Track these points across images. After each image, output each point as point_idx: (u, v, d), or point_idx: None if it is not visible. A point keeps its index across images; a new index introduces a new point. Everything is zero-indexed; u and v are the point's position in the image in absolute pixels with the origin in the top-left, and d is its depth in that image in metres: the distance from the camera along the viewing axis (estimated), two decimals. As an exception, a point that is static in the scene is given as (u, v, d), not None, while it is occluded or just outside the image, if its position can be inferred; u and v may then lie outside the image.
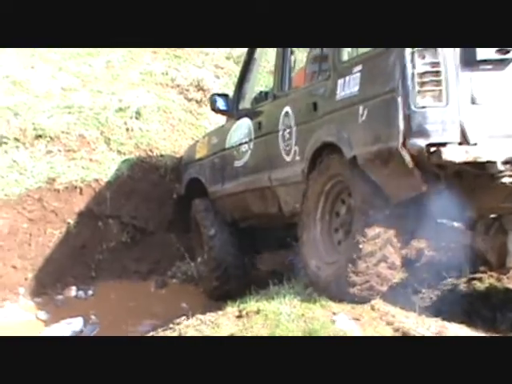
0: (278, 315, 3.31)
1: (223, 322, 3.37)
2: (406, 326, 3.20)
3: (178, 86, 6.01)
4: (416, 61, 2.92)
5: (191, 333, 3.34)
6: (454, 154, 2.81)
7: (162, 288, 5.11)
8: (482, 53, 2.92)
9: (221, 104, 4.73)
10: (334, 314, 3.35)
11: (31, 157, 5.15)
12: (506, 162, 2.76)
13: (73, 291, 5.05)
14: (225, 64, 6.38)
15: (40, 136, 5.21)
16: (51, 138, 5.22)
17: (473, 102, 2.94)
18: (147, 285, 5.14)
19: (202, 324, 3.41)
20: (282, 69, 4.23)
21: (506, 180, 2.78)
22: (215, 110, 4.83)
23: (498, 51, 2.91)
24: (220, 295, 4.61)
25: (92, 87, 5.80)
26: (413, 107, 2.91)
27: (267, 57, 5.15)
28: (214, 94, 4.94)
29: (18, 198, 5.00)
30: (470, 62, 2.94)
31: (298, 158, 3.86)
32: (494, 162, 2.78)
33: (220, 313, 3.54)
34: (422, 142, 2.87)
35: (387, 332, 3.20)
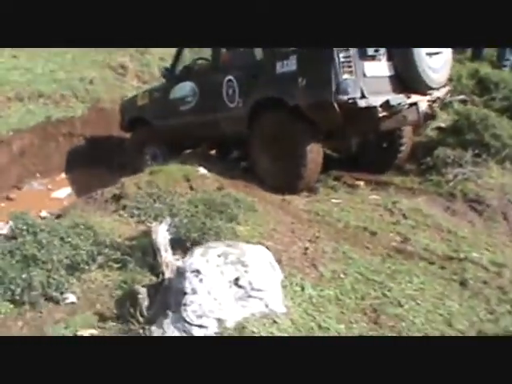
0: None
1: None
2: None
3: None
4: (339, 55, 5.55)
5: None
6: (361, 102, 5.51)
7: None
8: (369, 51, 5.66)
9: (165, 73, 7.46)
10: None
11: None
12: (380, 106, 5.67)
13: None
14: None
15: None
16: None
17: (364, 75, 5.69)
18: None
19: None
20: (216, 53, 6.75)
21: (380, 114, 5.77)
22: (163, 76, 7.53)
23: (374, 50, 5.73)
24: None
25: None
26: (340, 79, 5.54)
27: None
28: (164, 67, 7.72)
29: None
30: (363, 56, 5.63)
31: (240, 105, 6.39)
32: (375, 106, 5.64)
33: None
34: (344, 97, 5.54)
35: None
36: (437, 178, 6.35)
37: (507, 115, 7.15)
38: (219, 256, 3.16)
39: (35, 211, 7.57)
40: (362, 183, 6.49)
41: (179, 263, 3.71)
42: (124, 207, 5.43)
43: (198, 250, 3.27)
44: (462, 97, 7.77)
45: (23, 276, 3.72)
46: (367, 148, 6.92)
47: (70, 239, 4.11)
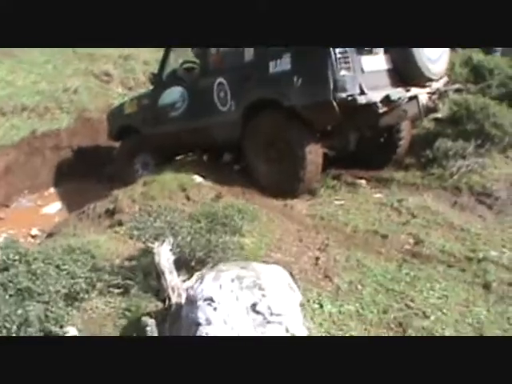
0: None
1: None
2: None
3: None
4: (335, 51, 5.30)
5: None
6: (360, 99, 5.29)
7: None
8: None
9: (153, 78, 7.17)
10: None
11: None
12: (380, 102, 5.50)
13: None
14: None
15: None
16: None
17: (362, 71, 5.48)
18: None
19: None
20: (205, 55, 6.50)
21: (380, 110, 5.60)
22: (151, 82, 7.24)
23: (370, 46, 5.58)
24: None
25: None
26: (337, 76, 5.34)
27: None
28: (151, 73, 7.40)
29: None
30: (359, 50, 5.42)
31: (233, 108, 6.11)
32: (375, 102, 5.42)
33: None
34: (343, 95, 5.33)
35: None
36: (439, 172, 6.14)
37: (506, 102, 6.93)
38: (233, 280, 2.90)
39: (26, 229, 7.33)
40: (363, 181, 6.26)
41: (187, 284, 3.48)
42: (119, 223, 5.17)
43: (208, 275, 3.01)
44: (457, 86, 7.54)
45: (18, 311, 3.42)
46: (365, 144, 6.66)
47: (66, 267, 3.83)
